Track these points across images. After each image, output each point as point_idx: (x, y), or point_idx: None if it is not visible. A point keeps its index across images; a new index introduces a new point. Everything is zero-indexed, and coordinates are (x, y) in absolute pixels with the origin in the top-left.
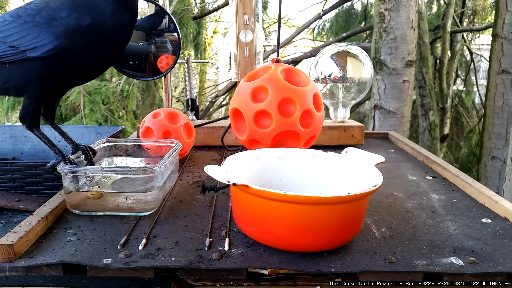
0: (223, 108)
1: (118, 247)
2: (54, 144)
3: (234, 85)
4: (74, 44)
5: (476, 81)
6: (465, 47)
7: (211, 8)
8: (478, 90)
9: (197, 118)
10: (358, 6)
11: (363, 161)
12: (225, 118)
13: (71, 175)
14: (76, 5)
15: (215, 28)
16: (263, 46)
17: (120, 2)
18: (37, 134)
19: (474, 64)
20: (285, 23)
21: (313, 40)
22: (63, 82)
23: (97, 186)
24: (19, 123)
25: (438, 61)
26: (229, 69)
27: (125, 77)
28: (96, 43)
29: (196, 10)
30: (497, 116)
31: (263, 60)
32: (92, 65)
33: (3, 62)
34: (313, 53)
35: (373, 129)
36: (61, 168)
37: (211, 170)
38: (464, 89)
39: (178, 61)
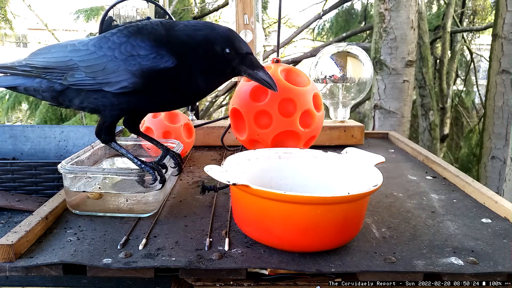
0: (223, 108)
1: (118, 247)
2: (131, 154)
3: (234, 85)
4: (148, 84)
5: (476, 81)
6: (465, 47)
7: (211, 8)
8: (478, 90)
9: (197, 118)
10: (358, 6)
11: (363, 161)
12: (225, 118)
13: (72, 175)
14: (159, 42)
15: None
16: (263, 46)
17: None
18: (114, 147)
19: (474, 64)
20: (285, 23)
21: (313, 40)
22: (136, 111)
23: (98, 187)
24: (19, 123)
25: (438, 61)
26: None
27: None
28: (174, 85)
29: (196, 10)
30: (497, 116)
31: (263, 60)
32: (168, 101)
33: (80, 88)
34: (313, 53)
35: (373, 129)
36: (62, 168)
37: (211, 170)
38: (464, 89)
39: None
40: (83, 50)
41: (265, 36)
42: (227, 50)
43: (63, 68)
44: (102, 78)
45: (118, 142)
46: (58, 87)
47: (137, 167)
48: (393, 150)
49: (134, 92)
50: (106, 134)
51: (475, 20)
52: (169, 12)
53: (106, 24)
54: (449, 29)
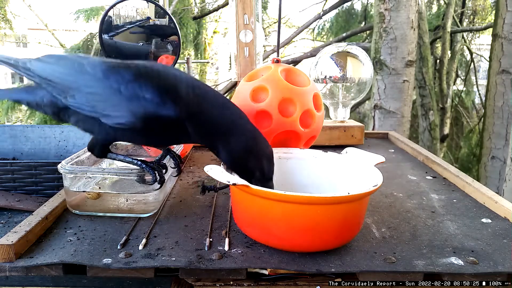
0: None
1: (118, 247)
2: (129, 157)
3: (234, 85)
4: (147, 126)
5: (476, 81)
6: (465, 47)
7: (211, 8)
8: (478, 90)
9: None
10: (358, 6)
11: (363, 161)
12: None
13: (72, 175)
14: (167, 91)
15: (215, 28)
16: (263, 46)
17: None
18: (110, 157)
19: (474, 64)
20: (285, 23)
21: (313, 40)
22: (130, 142)
23: (97, 187)
24: (19, 123)
25: (438, 61)
26: (229, 69)
27: None
28: (171, 130)
29: (196, 10)
30: (497, 116)
31: (263, 60)
32: (161, 141)
33: (78, 112)
34: (313, 53)
35: (373, 129)
36: (62, 168)
37: (211, 170)
38: (464, 89)
39: (178, 61)
40: (90, 75)
41: (265, 36)
42: (257, 174)
43: (66, 86)
44: (102, 109)
45: (115, 145)
46: (60, 103)
47: (137, 167)
48: (393, 150)
49: (130, 129)
50: (99, 151)
51: (475, 20)
52: (169, 12)
53: (106, 24)
54: (449, 29)
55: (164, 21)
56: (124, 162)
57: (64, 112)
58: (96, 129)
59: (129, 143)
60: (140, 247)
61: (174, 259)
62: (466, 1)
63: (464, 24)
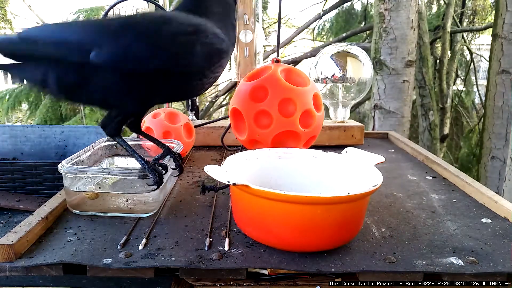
0: (223, 108)
1: (118, 247)
2: (135, 152)
3: (234, 85)
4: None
5: (476, 81)
6: (465, 47)
7: None
8: (478, 90)
9: (197, 118)
10: (358, 6)
11: (363, 161)
12: (225, 118)
13: (72, 175)
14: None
15: None
16: (263, 46)
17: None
18: (118, 141)
19: (474, 64)
20: (285, 23)
21: (313, 40)
22: (163, 99)
23: (98, 187)
24: (19, 123)
25: (438, 61)
26: (229, 69)
27: None
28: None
29: None
30: (497, 116)
31: (263, 60)
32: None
33: (106, 72)
34: (313, 53)
35: (373, 129)
36: (62, 168)
37: (211, 170)
38: (464, 89)
39: None
40: (115, 23)
41: (265, 36)
42: None
43: (89, 39)
44: (144, 50)
45: (116, 146)
46: (73, 74)
47: (137, 167)
48: (393, 150)
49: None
50: (114, 127)
51: (475, 20)
52: None
53: None
54: (449, 29)
55: None
56: (129, 153)
57: (78, 84)
58: (125, 92)
59: (128, 143)
60: (140, 247)
61: (174, 259)
62: (466, 1)
63: (464, 24)
